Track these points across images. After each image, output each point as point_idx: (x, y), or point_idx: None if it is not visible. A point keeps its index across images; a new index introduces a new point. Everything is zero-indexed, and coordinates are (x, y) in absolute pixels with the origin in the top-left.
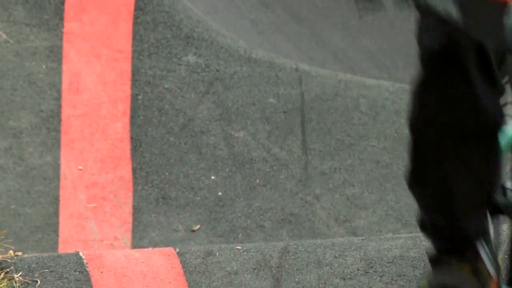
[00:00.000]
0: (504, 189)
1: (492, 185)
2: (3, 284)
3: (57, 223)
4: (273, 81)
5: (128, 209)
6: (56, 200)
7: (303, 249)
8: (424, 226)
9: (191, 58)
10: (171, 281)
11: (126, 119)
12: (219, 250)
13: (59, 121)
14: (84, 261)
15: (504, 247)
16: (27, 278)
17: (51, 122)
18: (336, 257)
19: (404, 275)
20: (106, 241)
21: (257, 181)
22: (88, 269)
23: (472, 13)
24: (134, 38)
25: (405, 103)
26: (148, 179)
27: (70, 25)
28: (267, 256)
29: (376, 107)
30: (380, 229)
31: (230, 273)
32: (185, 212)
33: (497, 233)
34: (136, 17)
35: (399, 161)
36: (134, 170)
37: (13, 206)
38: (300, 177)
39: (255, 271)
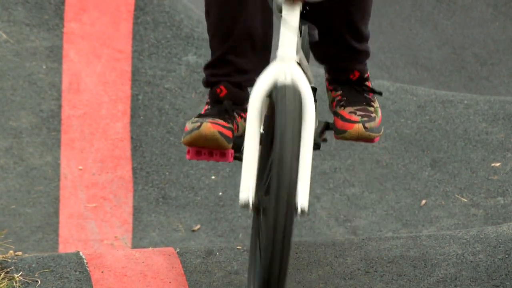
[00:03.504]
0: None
1: None
2: (3, 284)
3: (57, 223)
4: None
5: (128, 209)
6: (56, 200)
7: (304, 248)
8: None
9: (191, 58)
10: (171, 281)
11: (126, 119)
12: (219, 250)
13: (59, 121)
14: (85, 261)
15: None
16: (27, 278)
17: (51, 122)
18: (336, 256)
19: (404, 275)
20: (106, 241)
21: None
22: (88, 269)
23: None
24: (134, 38)
25: (405, 103)
26: (148, 179)
27: (70, 25)
28: None
29: None
30: (380, 229)
31: (230, 273)
32: (185, 212)
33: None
34: (136, 17)
35: (399, 160)
36: (134, 170)
37: (13, 206)
38: None
39: None
